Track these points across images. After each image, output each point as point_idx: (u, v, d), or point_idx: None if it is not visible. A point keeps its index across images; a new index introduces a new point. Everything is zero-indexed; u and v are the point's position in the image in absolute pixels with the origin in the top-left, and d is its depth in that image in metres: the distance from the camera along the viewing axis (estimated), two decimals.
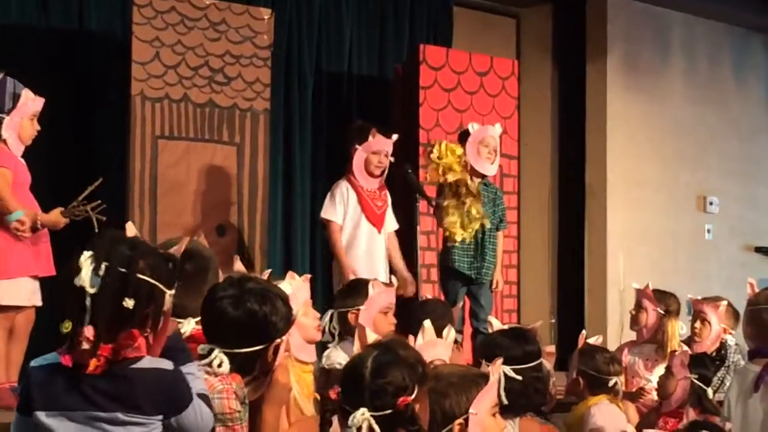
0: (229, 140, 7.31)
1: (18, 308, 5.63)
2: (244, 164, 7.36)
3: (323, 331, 4.63)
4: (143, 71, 6.96)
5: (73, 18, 7.38)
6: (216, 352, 3.02)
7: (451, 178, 6.84)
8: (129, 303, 2.63)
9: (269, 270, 4.47)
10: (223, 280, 3.13)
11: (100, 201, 5.53)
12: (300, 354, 4.04)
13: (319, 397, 4.09)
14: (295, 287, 3.96)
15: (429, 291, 7.43)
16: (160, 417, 2.68)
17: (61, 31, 7.32)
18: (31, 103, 5.71)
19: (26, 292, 5.62)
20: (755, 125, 10.94)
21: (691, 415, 5.16)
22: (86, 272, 2.61)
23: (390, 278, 6.35)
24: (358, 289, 4.90)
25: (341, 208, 6.72)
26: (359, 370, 2.82)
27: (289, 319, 3.08)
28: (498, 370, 3.29)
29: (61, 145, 6.63)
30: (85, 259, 2.62)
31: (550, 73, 10.17)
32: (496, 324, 4.59)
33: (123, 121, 7.03)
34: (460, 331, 6.64)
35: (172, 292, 2.76)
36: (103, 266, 2.62)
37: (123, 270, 2.64)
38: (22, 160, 5.78)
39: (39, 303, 5.77)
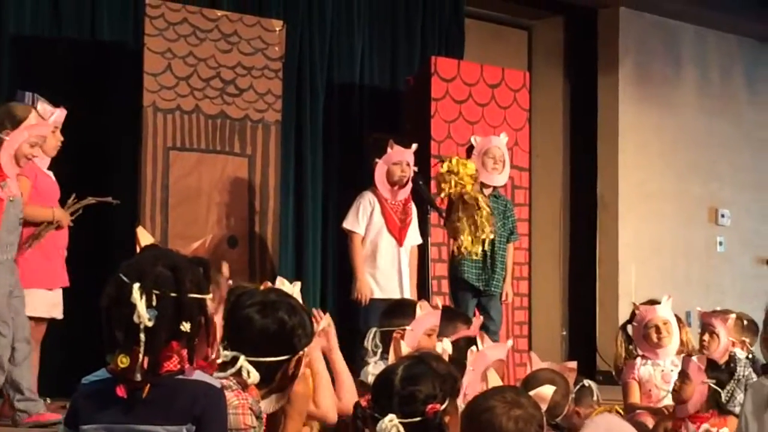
0: (240, 152, 7.30)
1: (36, 320, 5.60)
2: (256, 175, 7.35)
3: (365, 350, 4.60)
4: (155, 82, 6.96)
5: (85, 29, 7.37)
6: (241, 360, 2.99)
7: (463, 193, 6.82)
8: (186, 326, 2.63)
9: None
10: (249, 291, 3.14)
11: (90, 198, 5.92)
12: None
13: None
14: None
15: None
16: (189, 425, 2.62)
17: (74, 42, 7.31)
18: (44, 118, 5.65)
19: (44, 305, 5.60)
20: None
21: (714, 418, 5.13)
22: (141, 307, 2.58)
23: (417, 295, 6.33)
24: (405, 309, 4.75)
25: (364, 219, 6.72)
26: (390, 377, 2.85)
27: (311, 334, 3.07)
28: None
29: (71, 155, 6.60)
30: (136, 292, 2.58)
31: (561, 84, 10.16)
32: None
33: (134, 133, 7.03)
34: None
35: (211, 295, 2.77)
36: (154, 296, 2.60)
37: (174, 295, 2.63)
38: (49, 173, 5.79)
39: (59, 316, 5.75)
